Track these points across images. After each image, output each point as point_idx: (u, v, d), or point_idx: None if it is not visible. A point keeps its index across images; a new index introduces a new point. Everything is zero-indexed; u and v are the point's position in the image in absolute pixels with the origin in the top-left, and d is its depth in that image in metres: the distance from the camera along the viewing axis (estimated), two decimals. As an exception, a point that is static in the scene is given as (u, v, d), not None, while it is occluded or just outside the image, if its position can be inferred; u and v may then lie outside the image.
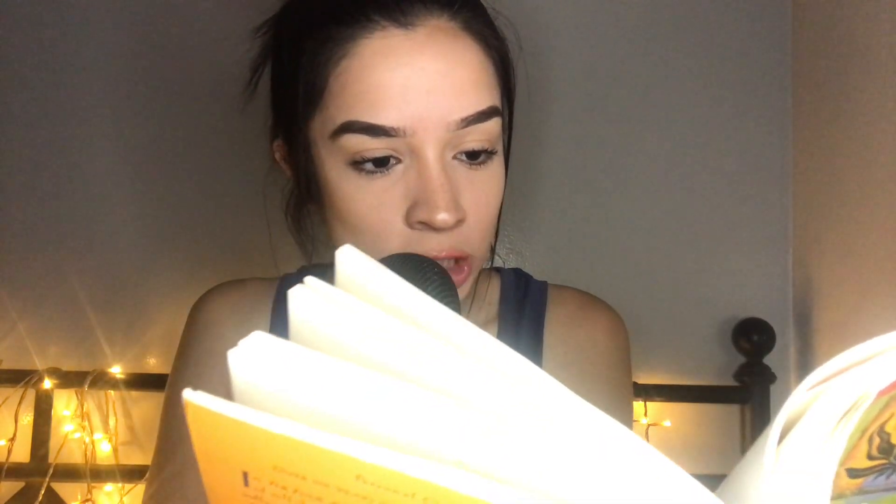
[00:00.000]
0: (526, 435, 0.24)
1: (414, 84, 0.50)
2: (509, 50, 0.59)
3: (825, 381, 0.29)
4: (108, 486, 1.11)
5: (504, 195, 0.59)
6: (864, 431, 0.32)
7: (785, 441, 0.28)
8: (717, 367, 1.17)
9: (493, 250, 0.65)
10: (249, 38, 0.60)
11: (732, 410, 1.17)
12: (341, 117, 0.51)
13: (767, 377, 1.13)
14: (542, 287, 0.70)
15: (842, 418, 0.27)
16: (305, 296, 0.26)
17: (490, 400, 0.25)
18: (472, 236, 0.54)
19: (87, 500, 1.08)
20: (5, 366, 1.12)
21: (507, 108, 0.59)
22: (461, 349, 0.26)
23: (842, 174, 1.04)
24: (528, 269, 0.73)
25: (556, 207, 1.20)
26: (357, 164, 0.52)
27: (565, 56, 1.21)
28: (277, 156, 0.62)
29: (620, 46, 1.21)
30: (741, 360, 1.16)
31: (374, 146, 0.51)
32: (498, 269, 0.72)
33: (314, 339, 0.26)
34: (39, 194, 1.18)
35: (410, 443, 0.24)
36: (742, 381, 1.15)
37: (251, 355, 0.24)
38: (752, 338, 1.14)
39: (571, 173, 1.21)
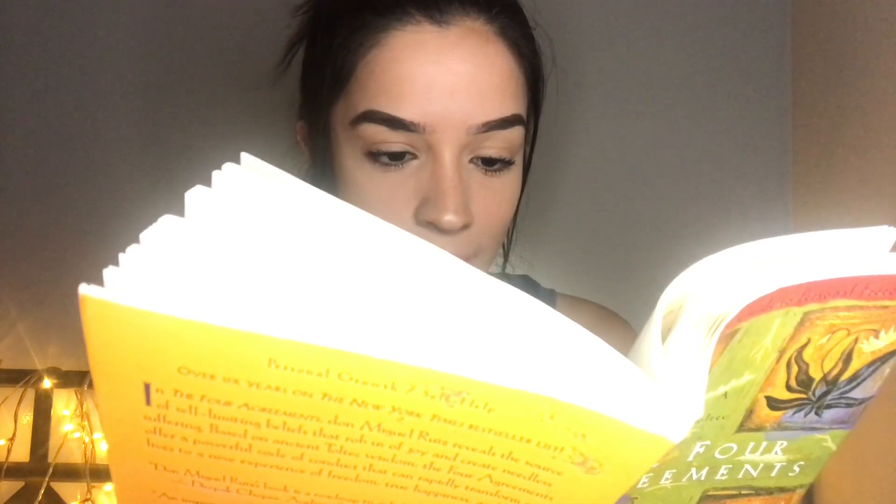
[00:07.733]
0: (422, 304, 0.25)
1: (439, 82, 0.50)
2: (543, 63, 0.58)
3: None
4: (108, 486, 1.11)
5: (519, 207, 0.58)
6: (780, 353, 0.31)
7: (668, 341, 0.29)
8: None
9: (505, 260, 0.64)
10: (289, 16, 0.59)
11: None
12: (363, 105, 0.51)
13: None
14: (550, 295, 0.69)
15: (709, 331, 0.28)
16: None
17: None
18: (478, 243, 0.54)
19: (86, 500, 1.08)
20: (5, 365, 1.12)
21: (532, 120, 0.58)
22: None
23: (842, 174, 1.04)
24: (536, 277, 0.72)
25: (567, 217, 1.19)
26: (373, 154, 0.52)
27: (581, 71, 1.20)
28: (299, 137, 0.62)
29: (627, 60, 1.21)
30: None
31: (392, 139, 0.51)
32: (506, 276, 0.71)
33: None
34: (39, 194, 1.18)
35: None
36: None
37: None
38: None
39: (583, 182, 1.20)
